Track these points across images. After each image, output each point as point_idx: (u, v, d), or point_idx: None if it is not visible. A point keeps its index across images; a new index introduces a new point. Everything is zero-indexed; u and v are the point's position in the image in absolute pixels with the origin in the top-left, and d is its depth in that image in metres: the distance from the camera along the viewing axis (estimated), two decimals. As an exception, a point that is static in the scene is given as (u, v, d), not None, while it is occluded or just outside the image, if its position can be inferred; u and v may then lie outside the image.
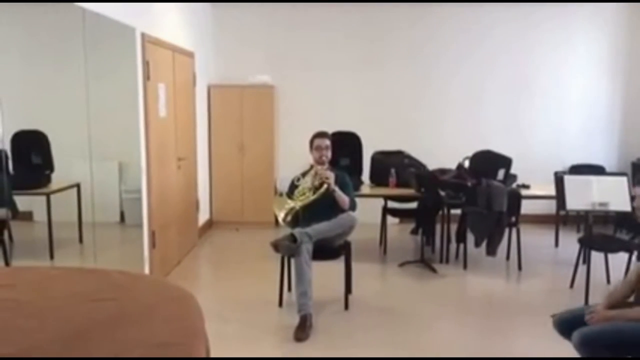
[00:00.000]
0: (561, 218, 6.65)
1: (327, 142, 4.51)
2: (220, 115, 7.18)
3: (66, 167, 3.84)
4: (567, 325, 2.92)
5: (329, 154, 4.51)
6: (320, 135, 4.55)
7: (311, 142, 4.54)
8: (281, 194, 4.71)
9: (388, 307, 4.56)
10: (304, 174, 4.50)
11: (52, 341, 1.49)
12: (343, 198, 4.36)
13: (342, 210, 4.37)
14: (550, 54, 7.33)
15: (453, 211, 5.83)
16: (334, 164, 4.72)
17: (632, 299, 2.93)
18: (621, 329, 2.71)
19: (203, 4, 6.93)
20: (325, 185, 4.29)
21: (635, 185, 4.23)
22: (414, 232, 6.75)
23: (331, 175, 4.32)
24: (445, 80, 7.40)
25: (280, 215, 4.23)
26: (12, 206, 3.31)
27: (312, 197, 4.29)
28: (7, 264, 3.25)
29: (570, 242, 5.91)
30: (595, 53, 7.36)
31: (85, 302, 1.73)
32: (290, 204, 4.28)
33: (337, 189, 4.33)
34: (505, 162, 5.79)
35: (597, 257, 4.91)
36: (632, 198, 4.03)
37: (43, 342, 1.48)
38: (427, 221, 5.98)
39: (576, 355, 2.80)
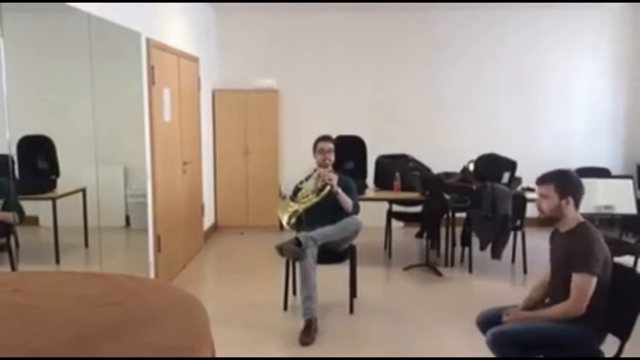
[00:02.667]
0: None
1: (330, 145, 4.54)
2: (225, 119, 7.20)
3: (72, 172, 3.86)
4: (486, 323, 2.97)
5: (332, 157, 4.53)
6: (324, 138, 4.58)
7: (314, 145, 4.57)
8: (284, 197, 4.72)
9: (393, 311, 4.55)
10: (307, 178, 4.51)
11: (59, 345, 1.50)
12: (346, 200, 4.36)
13: (347, 214, 4.37)
14: (554, 57, 7.33)
15: (458, 214, 5.82)
16: (338, 168, 4.73)
17: (547, 300, 2.98)
18: (530, 329, 2.75)
19: (208, 8, 6.95)
20: (328, 187, 4.30)
21: None
22: (419, 235, 6.74)
23: (334, 177, 4.34)
24: (449, 83, 7.40)
25: (284, 219, 4.24)
26: (19, 211, 3.32)
27: (315, 200, 4.30)
28: (13, 268, 3.26)
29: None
30: (600, 56, 7.35)
31: (91, 307, 1.74)
32: (294, 206, 4.29)
33: (340, 190, 4.34)
34: (510, 165, 5.78)
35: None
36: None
37: (50, 346, 1.49)
38: (432, 225, 5.98)
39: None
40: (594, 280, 2.67)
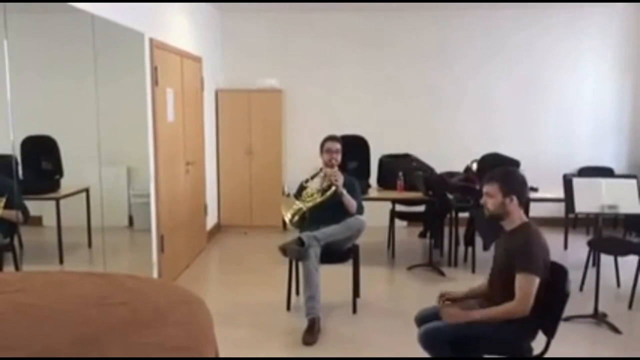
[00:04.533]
0: (570, 221, 6.61)
1: (338, 145, 4.54)
2: (228, 119, 7.20)
3: (75, 172, 3.87)
4: (424, 320, 2.99)
5: (339, 157, 4.53)
6: (332, 138, 4.58)
7: (322, 145, 4.57)
8: (288, 195, 4.72)
9: (396, 311, 4.55)
10: (313, 177, 4.51)
11: (63, 345, 1.50)
12: (350, 201, 4.36)
13: (350, 214, 4.37)
14: (558, 56, 7.31)
15: (461, 214, 5.82)
16: (342, 167, 4.73)
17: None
18: (462, 326, 2.75)
19: (211, 9, 6.96)
20: (333, 188, 4.30)
21: None
22: (422, 235, 6.74)
23: (340, 178, 4.33)
24: (452, 83, 7.39)
25: (287, 216, 4.23)
26: (24, 210, 3.34)
27: (320, 199, 4.30)
28: (17, 268, 3.27)
29: (579, 245, 5.87)
30: (604, 55, 7.33)
31: (95, 307, 1.74)
32: (298, 205, 4.29)
33: (344, 192, 4.34)
34: (513, 164, 5.77)
35: (606, 260, 4.87)
36: None
37: (54, 346, 1.49)
38: (436, 224, 5.97)
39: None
40: (536, 281, 2.68)
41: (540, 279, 2.69)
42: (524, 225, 2.88)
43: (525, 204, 2.94)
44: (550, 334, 2.70)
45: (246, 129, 7.20)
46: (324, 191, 4.33)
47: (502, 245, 2.98)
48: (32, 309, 1.70)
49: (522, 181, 2.95)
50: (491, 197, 2.91)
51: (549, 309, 2.71)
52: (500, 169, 3.08)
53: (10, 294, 1.80)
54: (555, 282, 2.73)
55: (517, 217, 2.89)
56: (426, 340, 2.79)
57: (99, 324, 1.61)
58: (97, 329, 1.58)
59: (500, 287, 2.85)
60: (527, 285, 2.67)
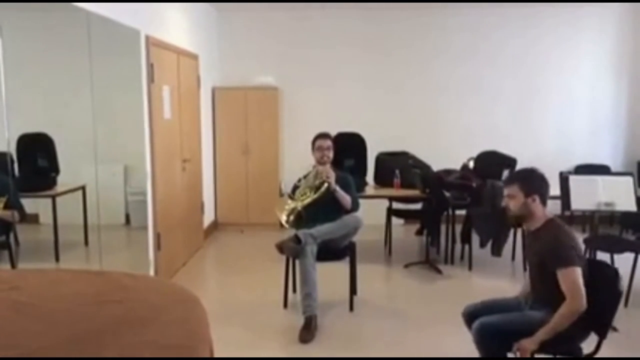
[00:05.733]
0: (566, 218, 6.61)
1: (329, 142, 4.54)
2: (225, 117, 7.19)
3: (72, 170, 3.86)
4: (471, 316, 2.98)
5: (331, 154, 4.52)
6: (322, 136, 4.58)
7: (313, 142, 4.57)
8: (282, 195, 4.72)
9: (393, 308, 4.55)
10: (306, 175, 4.52)
11: (58, 343, 1.50)
12: (345, 197, 4.36)
13: (347, 212, 4.37)
14: (555, 54, 7.32)
15: (458, 212, 5.83)
16: (338, 165, 4.72)
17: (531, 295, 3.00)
18: (513, 323, 2.76)
19: (207, 6, 6.94)
20: (325, 185, 4.29)
21: None
22: (419, 233, 6.75)
23: (332, 174, 4.33)
24: (449, 81, 7.39)
25: (282, 218, 4.23)
26: (20, 208, 3.33)
27: (314, 196, 4.29)
28: (13, 266, 3.26)
29: (576, 242, 5.88)
30: (600, 53, 7.34)
31: (91, 305, 1.74)
32: (292, 204, 4.29)
33: (338, 188, 4.34)
34: (510, 162, 5.78)
35: (602, 257, 4.88)
36: None
37: (49, 344, 1.49)
38: (432, 222, 5.98)
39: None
40: (578, 270, 2.66)
41: (580, 268, 2.67)
42: (548, 222, 2.87)
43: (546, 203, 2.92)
44: (602, 334, 2.67)
45: (243, 127, 7.19)
46: (316, 188, 4.33)
47: (530, 246, 2.96)
48: (27, 307, 1.69)
49: (542, 179, 2.93)
50: (513, 198, 2.91)
51: (601, 309, 2.67)
52: (519, 170, 3.08)
53: (5, 291, 1.79)
54: (606, 281, 2.71)
55: (540, 215, 2.88)
56: (481, 335, 2.78)
57: (94, 322, 1.61)
58: (92, 327, 1.57)
59: (542, 287, 2.84)
60: (571, 279, 2.65)
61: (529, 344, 2.67)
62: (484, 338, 2.79)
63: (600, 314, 2.69)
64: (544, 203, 2.89)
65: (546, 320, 2.68)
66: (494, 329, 2.79)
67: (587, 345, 2.77)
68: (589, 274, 2.75)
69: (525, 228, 3.05)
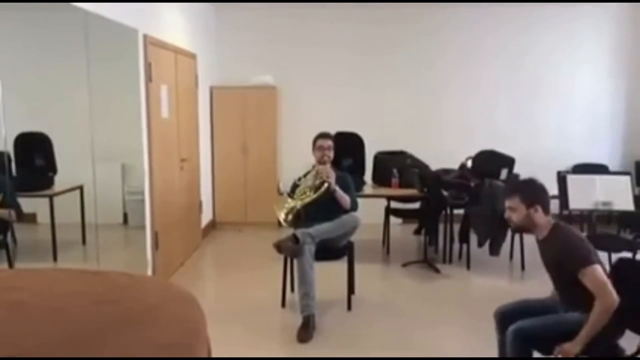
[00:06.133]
0: (564, 217, 6.62)
1: (330, 142, 4.54)
2: (223, 116, 7.19)
3: (69, 169, 3.85)
4: (504, 316, 2.96)
5: (331, 154, 4.53)
6: (323, 135, 4.58)
7: (314, 142, 4.57)
8: (281, 194, 4.72)
9: (391, 308, 4.56)
10: (306, 174, 4.51)
11: (55, 343, 1.49)
12: (344, 197, 4.36)
13: (345, 211, 4.37)
14: (553, 53, 7.33)
15: (456, 211, 5.83)
16: (336, 164, 4.73)
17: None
18: (550, 325, 2.73)
19: (205, 5, 6.94)
20: (325, 184, 4.30)
21: None
22: (417, 232, 6.75)
23: (332, 174, 4.33)
24: (447, 80, 7.40)
25: (281, 216, 4.23)
26: (17, 208, 3.32)
27: (313, 196, 4.30)
28: (10, 266, 3.26)
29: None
30: (599, 52, 7.35)
31: (87, 304, 1.73)
32: (291, 203, 4.29)
33: (337, 188, 4.34)
34: (508, 161, 5.78)
35: (600, 256, 4.89)
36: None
37: (46, 344, 1.48)
38: (430, 221, 5.98)
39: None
40: (598, 268, 2.66)
41: (599, 264, 2.67)
42: (554, 228, 2.86)
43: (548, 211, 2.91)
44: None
45: (241, 126, 7.19)
46: (316, 188, 4.33)
47: (543, 255, 2.95)
48: (23, 307, 1.69)
49: (542, 189, 2.93)
50: (514, 210, 2.90)
51: (637, 307, 2.67)
52: (517, 181, 3.07)
53: (0, 291, 1.79)
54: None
55: (544, 224, 2.88)
56: (519, 339, 2.73)
57: (91, 321, 1.61)
58: (88, 327, 1.57)
59: (568, 292, 2.82)
60: (594, 277, 2.64)
61: (571, 347, 2.65)
62: (521, 343, 2.75)
63: (637, 313, 2.67)
64: (546, 212, 2.88)
65: (584, 321, 2.65)
66: (532, 334, 2.75)
67: (629, 345, 2.76)
68: (622, 272, 2.75)
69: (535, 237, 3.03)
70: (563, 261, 2.74)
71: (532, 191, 2.90)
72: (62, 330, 1.54)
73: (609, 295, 2.61)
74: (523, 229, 2.94)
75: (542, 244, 2.93)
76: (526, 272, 5.40)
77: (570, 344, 2.66)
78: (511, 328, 2.79)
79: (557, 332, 2.72)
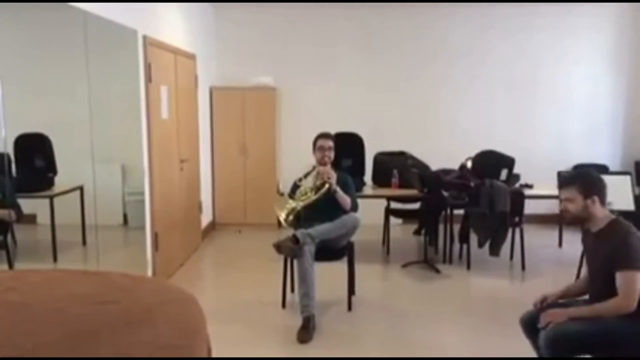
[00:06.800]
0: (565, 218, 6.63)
1: (330, 143, 4.53)
2: (223, 117, 7.19)
3: (69, 170, 3.85)
4: (529, 322, 2.93)
5: (332, 155, 4.52)
6: (324, 136, 4.57)
7: (314, 142, 4.56)
8: (282, 194, 4.72)
9: (391, 308, 4.56)
10: (306, 175, 4.50)
11: (54, 343, 1.49)
12: (345, 198, 4.36)
13: (345, 212, 4.37)
14: (553, 54, 7.33)
15: (456, 211, 5.83)
16: (336, 165, 4.72)
17: (587, 298, 2.97)
18: (587, 328, 2.69)
19: (204, 5, 6.94)
20: (327, 185, 4.29)
21: None
22: (417, 232, 6.75)
23: (333, 175, 4.33)
24: (448, 81, 7.40)
25: (282, 216, 4.22)
26: (17, 209, 3.32)
27: (314, 197, 4.29)
28: (10, 266, 3.25)
29: (573, 241, 5.85)
30: (599, 51, 7.35)
31: (87, 305, 1.73)
32: (292, 204, 4.28)
33: (338, 189, 4.34)
34: (508, 162, 5.78)
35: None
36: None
37: (46, 345, 1.48)
38: (430, 222, 5.98)
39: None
40: (639, 275, 2.63)
41: None
42: (614, 223, 2.81)
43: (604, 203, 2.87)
44: None
45: (240, 127, 7.19)
46: (317, 189, 4.33)
47: (594, 248, 2.91)
48: (23, 307, 1.69)
49: (600, 181, 2.89)
50: (571, 201, 2.87)
51: None
52: (575, 172, 3.03)
53: (0, 291, 1.79)
54: None
55: (601, 216, 2.84)
56: (554, 343, 2.69)
57: (90, 322, 1.60)
58: (87, 327, 1.57)
59: (604, 288, 2.76)
60: (631, 282, 2.63)
61: (561, 314, 2.73)
62: (560, 349, 2.70)
63: None
64: (602, 203, 2.85)
65: (623, 327, 2.65)
66: (570, 339, 2.69)
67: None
68: None
69: (584, 230, 2.99)
70: (614, 257, 2.70)
71: (590, 182, 2.87)
72: (61, 331, 1.54)
73: (628, 302, 2.62)
74: (579, 220, 2.90)
75: (595, 237, 2.87)
76: (526, 272, 5.40)
77: (561, 310, 2.74)
78: (545, 333, 2.73)
79: (599, 340, 2.68)
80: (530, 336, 2.95)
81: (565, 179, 2.96)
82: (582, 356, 2.83)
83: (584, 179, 2.91)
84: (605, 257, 2.77)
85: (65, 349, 1.47)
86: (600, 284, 2.83)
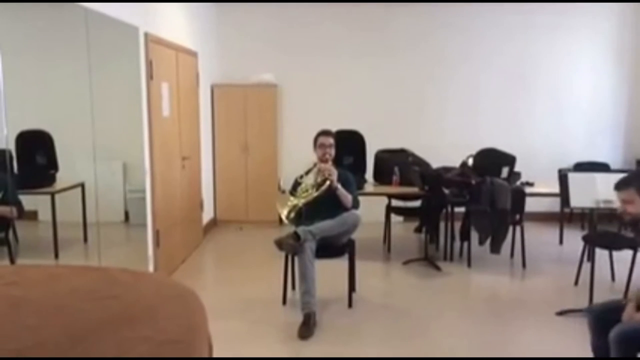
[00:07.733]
0: (565, 215, 6.64)
1: (331, 140, 4.53)
2: (224, 114, 7.19)
3: (70, 167, 3.86)
4: (603, 321, 2.88)
5: (333, 152, 4.52)
6: (324, 133, 4.58)
7: (315, 140, 4.57)
8: (283, 192, 4.72)
9: (392, 305, 4.56)
10: (307, 172, 4.51)
11: (55, 339, 1.50)
12: (346, 196, 4.36)
13: (346, 209, 4.37)
14: (554, 51, 7.31)
15: (457, 209, 5.83)
16: (337, 162, 4.72)
17: None
18: None
19: (206, 3, 6.93)
20: (327, 182, 4.30)
21: None
22: (418, 230, 6.75)
23: (334, 172, 4.33)
24: (448, 78, 7.39)
25: (284, 213, 4.23)
26: (18, 205, 3.33)
27: (315, 194, 4.30)
28: (12, 263, 3.26)
29: (574, 239, 5.89)
30: (600, 50, 7.34)
31: (88, 300, 1.74)
32: (293, 201, 4.29)
33: (339, 186, 4.34)
34: (509, 160, 5.78)
35: (601, 254, 4.89)
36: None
37: (47, 340, 1.49)
38: (431, 219, 5.98)
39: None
40: None
41: None
42: None
43: None
44: None
45: (242, 124, 7.19)
46: (318, 186, 4.33)
47: None
48: (24, 302, 1.70)
49: None
50: (630, 203, 2.86)
51: None
52: (630, 174, 2.98)
53: (2, 286, 1.80)
54: None
55: None
56: (620, 341, 2.66)
57: (90, 317, 1.61)
58: (88, 323, 1.58)
59: None
60: None
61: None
62: (629, 348, 2.67)
63: None
64: None
65: None
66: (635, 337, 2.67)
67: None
68: None
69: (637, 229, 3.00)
70: None
71: None
72: (62, 326, 1.55)
73: None
74: (639, 221, 2.88)
75: None
76: (527, 270, 5.39)
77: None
78: (614, 331, 2.70)
79: None
80: (595, 329, 2.90)
81: (622, 182, 2.91)
82: None
83: None
84: None
85: (66, 344, 1.47)
86: None
